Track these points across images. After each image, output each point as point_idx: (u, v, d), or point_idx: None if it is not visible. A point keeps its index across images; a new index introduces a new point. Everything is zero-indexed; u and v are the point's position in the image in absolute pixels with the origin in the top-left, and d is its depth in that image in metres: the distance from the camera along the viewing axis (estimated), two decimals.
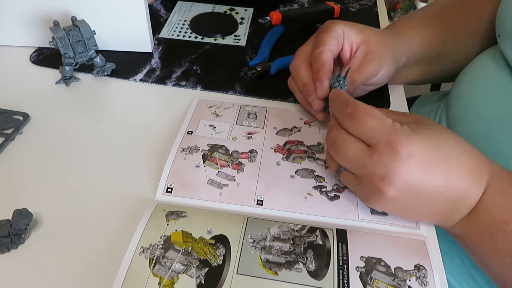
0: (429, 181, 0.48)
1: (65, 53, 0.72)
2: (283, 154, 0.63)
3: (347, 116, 0.51)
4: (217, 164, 0.61)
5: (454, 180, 0.49)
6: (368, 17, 0.98)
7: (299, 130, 0.67)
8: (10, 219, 0.52)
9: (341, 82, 0.59)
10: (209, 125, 0.67)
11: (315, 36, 0.67)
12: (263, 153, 0.63)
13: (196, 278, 0.47)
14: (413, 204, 0.50)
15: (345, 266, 0.48)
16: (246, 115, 0.69)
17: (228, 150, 0.63)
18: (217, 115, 0.69)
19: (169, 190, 0.57)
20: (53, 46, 0.71)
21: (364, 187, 0.51)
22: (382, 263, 0.49)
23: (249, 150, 0.63)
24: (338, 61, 0.68)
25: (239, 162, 0.61)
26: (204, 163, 0.61)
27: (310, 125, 0.68)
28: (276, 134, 0.66)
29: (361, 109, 0.50)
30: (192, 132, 0.65)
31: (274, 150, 0.63)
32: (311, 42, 0.67)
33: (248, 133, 0.66)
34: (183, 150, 0.62)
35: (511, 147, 0.62)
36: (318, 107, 0.63)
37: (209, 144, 0.63)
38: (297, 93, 0.69)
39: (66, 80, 0.74)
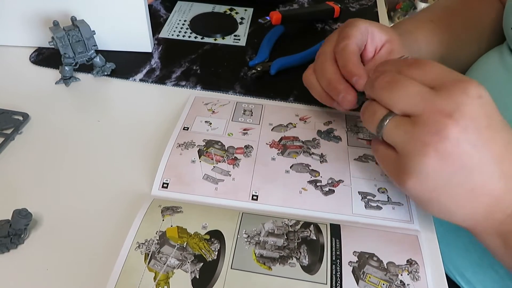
0: (490, 138, 0.44)
1: (64, 53, 0.72)
2: (279, 150, 0.63)
3: (410, 65, 0.48)
4: (212, 159, 0.61)
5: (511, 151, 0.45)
6: (368, 17, 0.97)
7: (295, 126, 0.67)
8: (10, 219, 0.52)
9: None
10: (205, 121, 0.67)
11: (337, 33, 0.63)
12: (258, 148, 0.63)
13: (190, 273, 0.47)
14: (468, 166, 0.44)
15: (338, 261, 0.49)
16: (242, 112, 0.70)
17: (224, 145, 0.63)
18: (213, 111, 0.69)
19: (165, 185, 0.57)
20: (52, 46, 0.72)
21: (422, 129, 0.45)
22: (375, 258, 0.49)
23: (245, 146, 0.63)
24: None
25: (235, 157, 0.61)
26: (199, 158, 0.61)
27: (305, 121, 0.68)
28: (271, 130, 0.66)
29: (423, 59, 0.48)
30: (188, 128, 0.66)
31: (270, 146, 0.64)
32: (333, 40, 0.63)
33: (244, 129, 0.66)
34: (179, 145, 0.62)
35: None
36: (350, 104, 0.59)
37: (205, 139, 0.64)
38: (316, 88, 0.64)
39: (66, 80, 0.75)
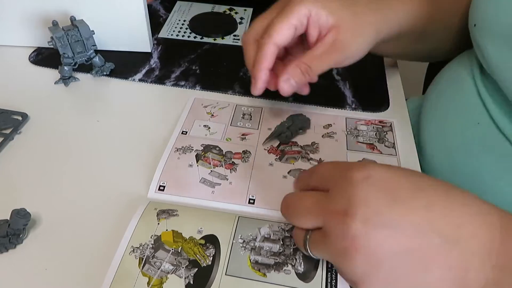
0: (398, 213, 0.40)
1: (64, 53, 0.72)
2: (277, 155, 0.63)
3: (302, 178, 0.51)
4: (210, 163, 0.61)
5: (437, 211, 0.40)
6: None
7: None
8: (8, 219, 0.52)
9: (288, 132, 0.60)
10: (203, 126, 0.67)
11: (278, 8, 0.61)
12: (256, 153, 0.63)
13: (185, 278, 0.47)
14: (392, 250, 0.40)
15: (333, 268, 0.48)
16: (241, 115, 0.70)
17: (222, 150, 0.63)
18: (212, 115, 0.69)
19: (161, 188, 0.57)
20: (52, 46, 0.72)
21: (332, 239, 0.42)
22: None
23: (243, 151, 0.63)
24: (303, 40, 0.64)
25: (232, 162, 0.61)
26: (197, 162, 0.61)
27: None
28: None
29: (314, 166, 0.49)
30: (186, 132, 0.66)
31: (268, 151, 0.63)
32: (271, 16, 0.61)
33: (243, 134, 0.66)
34: (177, 150, 0.62)
35: (494, 183, 0.55)
36: (258, 91, 0.63)
37: (203, 144, 0.64)
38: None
39: (65, 80, 0.75)
